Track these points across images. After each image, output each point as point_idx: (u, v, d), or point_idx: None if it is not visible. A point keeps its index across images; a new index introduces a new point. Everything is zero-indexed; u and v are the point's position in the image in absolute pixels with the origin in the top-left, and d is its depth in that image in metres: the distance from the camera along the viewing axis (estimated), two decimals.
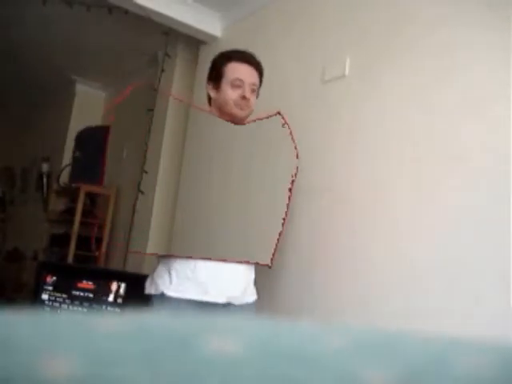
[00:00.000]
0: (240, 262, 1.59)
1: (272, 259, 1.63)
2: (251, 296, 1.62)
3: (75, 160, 1.71)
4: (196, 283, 1.52)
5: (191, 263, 1.53)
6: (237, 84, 1.66)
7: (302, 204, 2.05)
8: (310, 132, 2.14)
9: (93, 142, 1.67)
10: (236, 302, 1.56)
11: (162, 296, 1.53)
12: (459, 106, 1.67)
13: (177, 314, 0.20)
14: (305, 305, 2.00)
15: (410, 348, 0.17)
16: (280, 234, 1.66)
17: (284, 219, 1.67)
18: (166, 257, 1.56)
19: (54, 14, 3.40)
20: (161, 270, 1.57)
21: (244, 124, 1.70)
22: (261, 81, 1.75)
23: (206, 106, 1.77)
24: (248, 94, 1.66)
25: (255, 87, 1.70)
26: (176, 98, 1.88)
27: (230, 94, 1.67)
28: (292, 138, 1.76)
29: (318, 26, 2.35)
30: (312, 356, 0.15)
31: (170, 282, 1.52)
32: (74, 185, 1.70)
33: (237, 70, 1.67)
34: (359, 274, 1.83)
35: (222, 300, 1.54)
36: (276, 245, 1.65)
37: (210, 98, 1.74)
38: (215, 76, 1.71)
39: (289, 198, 1.70)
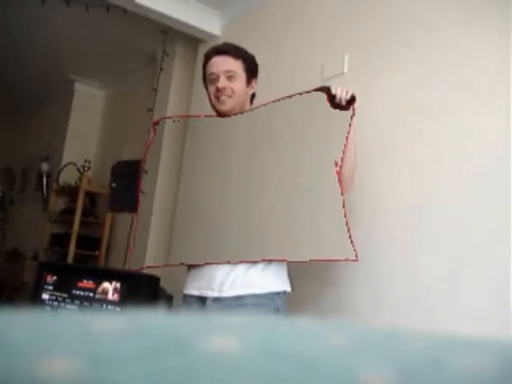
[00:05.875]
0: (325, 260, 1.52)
1: (356, 252, 1.43)
2: (233, 290, 1.52)
3: (112, 190, 1.79)
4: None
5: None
6: (212, 78, 1.64)
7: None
8: None
9: (127, 174, 1.77)
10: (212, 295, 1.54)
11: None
12: (459, 104, 1.67)
13: (176, 313, 0.20)
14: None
15: (409, 347, 0.17)
16: (347, 225, 1.45)
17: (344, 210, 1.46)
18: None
19: (53, 13, 3.39)
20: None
21: (232, 115, 1.64)
22: (246, 62, 1.65)
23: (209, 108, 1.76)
24: (222, 84, 1.60)
25: (232, 73, 1.61)
26: (174, 117, 1.86)
27: (209, 90, 1.66)
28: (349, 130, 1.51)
29: (316, 24, 2.35)
30: (311, 355, 0.15)
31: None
32: (111, 212, 1.86)
33: (210, 65, 1.65)
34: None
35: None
36: (350, 236, 1.44)
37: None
38: (203, 79, 1.72)
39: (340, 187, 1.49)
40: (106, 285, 1.83)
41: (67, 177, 4.26)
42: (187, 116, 1.85)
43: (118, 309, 1.82)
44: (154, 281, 2.00)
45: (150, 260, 2.97)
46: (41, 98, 5.10)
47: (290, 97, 1.60)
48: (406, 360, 0.15)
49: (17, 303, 4.01)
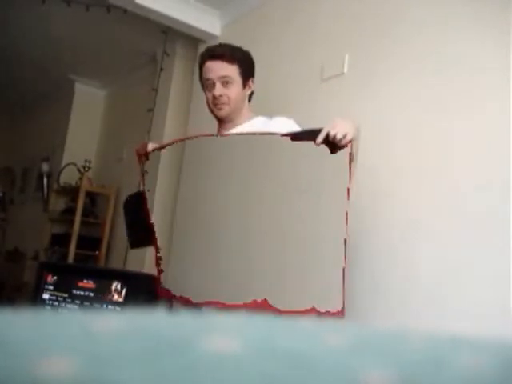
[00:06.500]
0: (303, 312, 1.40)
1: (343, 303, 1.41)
2: None
3: (128, 227, 1.76)
4: None
5: None
6: (208, 84, 1.63)
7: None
8: None
9: (135, 207, 1.73)
10: None
11: None
12: (459, 103, 1.67)
13: (176, 313, 0.20)
14: None
15: (409, 347, 0.17)
16: (344, 274, 1.42)
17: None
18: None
19: (53, 14, 3.39)
20: None
21: (229, 121, 1.64)
22: (242, 65, 1.62)
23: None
24: (218, 92, 1.59)
25: (228, 78, 1.60)
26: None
27: (207, 96, 1.65)
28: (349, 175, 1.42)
29: (316, 24, 2.35)
30: (311, 355, 0.15)
31: None
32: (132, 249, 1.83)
33: (206, 70, 1.63)
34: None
35: None
36: (343, 285, 1.41)
37: None
38: (200, 79, 1.69)
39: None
40: (109, 285, 1.81)
41: (67, 177, 4.27)
42: (181, 140, 1.71)
43: (118, 309, 1.82)
44: (154, 281, 1.99)
45: (149, 260, 2.97)
46: (41, 98, 5.10)
47: (284, 135, 1.46)
48: (406, 360, 0.15)
49: (17, 303, 4.01)
